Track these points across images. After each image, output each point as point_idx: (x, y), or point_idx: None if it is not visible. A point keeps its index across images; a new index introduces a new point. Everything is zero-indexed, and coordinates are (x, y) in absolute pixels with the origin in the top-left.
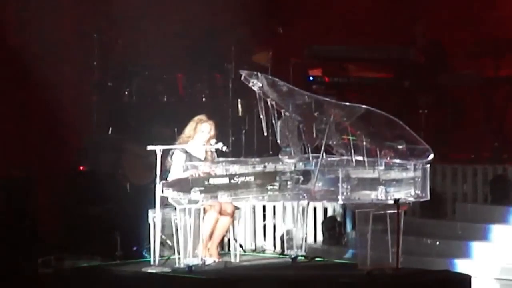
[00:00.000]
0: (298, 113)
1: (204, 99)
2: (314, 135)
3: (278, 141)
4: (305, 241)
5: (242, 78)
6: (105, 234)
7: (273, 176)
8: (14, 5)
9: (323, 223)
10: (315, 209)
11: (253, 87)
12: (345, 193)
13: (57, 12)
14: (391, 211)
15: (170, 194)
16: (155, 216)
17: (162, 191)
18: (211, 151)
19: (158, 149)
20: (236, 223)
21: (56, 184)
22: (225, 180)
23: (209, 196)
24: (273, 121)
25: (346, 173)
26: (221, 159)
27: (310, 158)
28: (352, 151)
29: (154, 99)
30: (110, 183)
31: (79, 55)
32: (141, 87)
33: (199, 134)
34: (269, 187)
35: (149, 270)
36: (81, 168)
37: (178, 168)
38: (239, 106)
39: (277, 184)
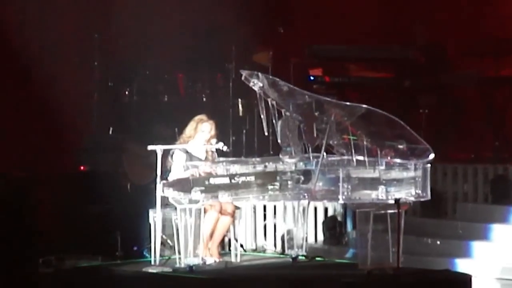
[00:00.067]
0: (299, 113)
1: (204, 99)
2: (315, 135)
3: (279, 141)
4: (306, 240)
5: (243, 78)
6: (105, 234)
7: (274, 175)
8: (14, 5)
9: (323, 222)
10: (315, 208)
11: (253, 87)
12: (345, 193)
13: (57, 12)
14: (392, 211)
15: (171, 193)
16: (155, 216)
17: (163, 191)
18: (212, 151)
19: (159, 149)
20: (236, 223)
21: (56, 184)
22: (226, 180)
23: (209, 196)
24: (274, 121)
25: (347, 173)
26: (221, 159)
27: (311, 157)
28: (353, 150)
29: (155, 99)
30: (110, 183)
31: (80, 55)
32: (142, 87)
33: (200, 134)
34: (269, 187)
35: (150, 270)
36: (82, 168)
37: (178, 168)
38: (240, 106)
39: (277, 183)
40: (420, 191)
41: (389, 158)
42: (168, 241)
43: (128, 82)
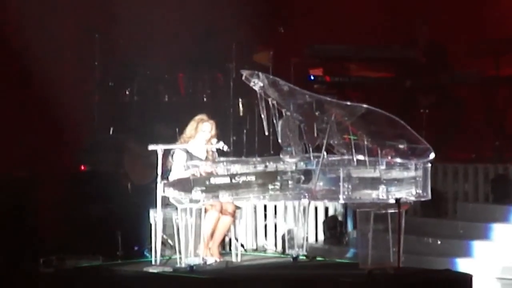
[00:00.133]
0: (299, 112)
1: (205, 99)
2: (315, 135)
3: (279, 140)
4: (306, 240)
5: (243, 77)
6: (106, 234)
7: (274, 175)
8: (15, 5)
9: (324, 222)
10: (316, 208)
11: (254, 87)
12: (346, 193)
13: (58, 12)
14: (392, 211)
15: (172, 193)
16: (156, 216)
17: (164, 191)
18: (212, 151)
19: (159, 148)
20: (237, 223)
21: (57, 184)
22: (226, 180)
23: (210, 195)
24: (274, 121)
25: (347, 173)
26: (222, 158)
27: (311, 157)
28: (353, 150)
29: (155, 99)
30: (111, 183)
31: (81, 55)
32: (143, 87)
33: (200, 134)
34: (270, 187)
35: (150, 270)
36: (83, 168)
37: (179, 168)
38: (240, 105)
39: (278, 183)
40: (420, 191)
41: (389, 157)
42: (169, 241)
43: (128, 82)
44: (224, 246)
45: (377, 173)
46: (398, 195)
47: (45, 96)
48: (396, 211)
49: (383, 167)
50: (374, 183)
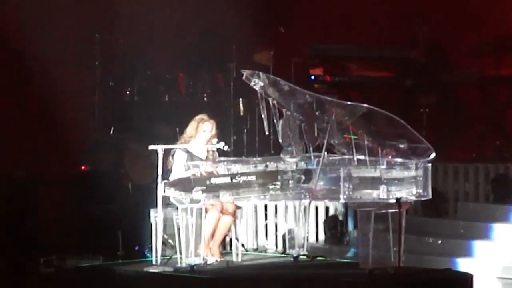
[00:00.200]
0: (300, 112)
1: (205, 99)
2: (316, 134)
3: (280, 140)
4: (307, 240)
5: (244, 77)
6: (107, 234)
7: (275, 175)
8: (15, 5)
9: (324, 222)
10: (316, 208)
11: (254, 87)
12: (346, 192)
13: (59, 12)
14: (393, 210)
15: (172, 193)
16: (157, 216)
17: (164, 191)
18: (213, 151)
19: (160, 148)
20: (237, 223)
21: (58, 184)
22: (227, 180)
23: (211, 195)
24: (275, 121)
25: (348, 172)
26: (222, 158)
27: (312, 157)
28: (354, 150)
29: (156, 99)
30: (112, 183)
31: (81, 55)
32: (143, 87)
33: (201, 134)
34: (270, 187)
35: (151, 270)
36: (83, 168)
37: (179, 168)
38: (241, 105)
39: (278, 183)
40: (421, 191)
41: (390, 157)
42: (170, 240)
43: (129, 81)
44: (225, 246)
45: (378, 172)
46: (398, 195)
47: (45, 96)
48: (397, 210)
49: (383, 166)
50: (374, 182)
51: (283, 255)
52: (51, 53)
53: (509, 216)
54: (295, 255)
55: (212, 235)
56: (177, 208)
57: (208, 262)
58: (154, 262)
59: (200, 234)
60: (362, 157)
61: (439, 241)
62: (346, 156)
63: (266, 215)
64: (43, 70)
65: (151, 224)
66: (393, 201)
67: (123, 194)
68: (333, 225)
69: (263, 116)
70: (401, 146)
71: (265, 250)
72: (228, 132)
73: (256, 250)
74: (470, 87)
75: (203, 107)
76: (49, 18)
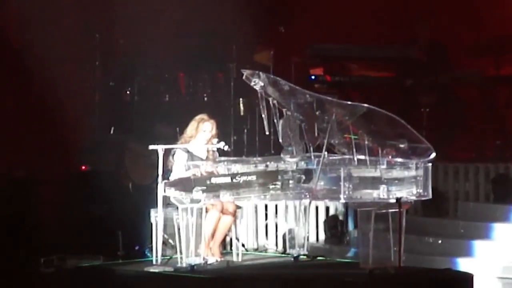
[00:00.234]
0: (300, 112)
1: (206, 98)
2: (316, 134)
3: (280, 140)
4: (307, 240)
5: (244, 77)
6: (107, 234)
7: (275, 175)
8: (16, 5)
9: (325, 222)
10: (317, 208)
11: (254, 86)
12: (347, 192)
13: (59, 12)
14: (393, 210)
15: (172, 193)
16: (157, 216)
17: (164, 191)
18: (213, 150)
19: (160, 148)
20: (238, 222)
21: (58, 183)
22: (227, 179)
23: (211, 195)
24: (275, 120)
25: (348, 172)
26: (223, 158)
27: (312, 157)
28: (354, 150)
29: (156, 99)
30: (112, 183)
31: (82, 55)
32: (143, 87)
33: (201, 134)
34: (271, 186)
35: (151, 270)
36: (83, 167)
37: (180, 168)
38: (241, 105)
39: (279, 183)
40: (421, 190)
41: (390, 157)
42: (170, 240)
43: (129, 81)
44: (225, 245)
45: (378, 172)
46: (399, 195)
47: (45, 96)
48: (397, 210)
49: (384, 166)
50: (375, 182)
51: (283, 255)
52: (51, 53)
53: (509, 216)
54: (295, 255)
55: (213, 235)
56: (177, 208)
57: (209, 262)
58: (154, 262)
59: (200, 234)
60: (362, 157)
61: (439, 241)
62: (346, 156)
63: (266, 215)
64: (43, 70)
65: (151, 224)
66: (393, 201)
67: (123, 194)
68: (334, 225)
69: (263, 116)
70: (401, 146)
71: (266, 250)
72: (228, 132)
73: (256, 250)
74: (470, 87)
75: (203, 107)
76: (49, 18)
